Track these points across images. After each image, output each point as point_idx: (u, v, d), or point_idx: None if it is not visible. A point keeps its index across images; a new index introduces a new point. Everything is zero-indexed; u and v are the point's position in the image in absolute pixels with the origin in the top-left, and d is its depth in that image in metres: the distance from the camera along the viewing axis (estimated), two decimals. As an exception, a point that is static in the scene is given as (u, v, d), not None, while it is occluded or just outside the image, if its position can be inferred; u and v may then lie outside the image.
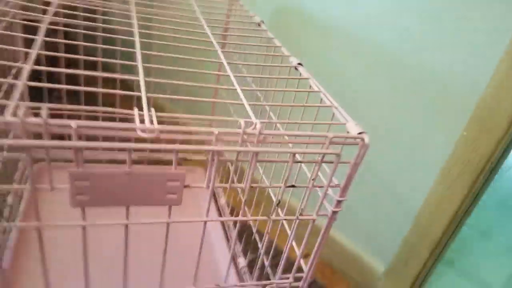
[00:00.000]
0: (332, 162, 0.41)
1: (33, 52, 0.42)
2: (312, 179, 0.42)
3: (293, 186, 0.43)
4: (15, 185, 0.46)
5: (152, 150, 0.40)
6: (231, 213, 0.89)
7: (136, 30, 0.53)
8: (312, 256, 0.48)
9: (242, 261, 0.75)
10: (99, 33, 0.54)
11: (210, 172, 0.37)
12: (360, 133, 0.41)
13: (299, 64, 0.55)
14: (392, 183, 0.79)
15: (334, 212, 0.44)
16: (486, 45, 0.62)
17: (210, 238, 0.78)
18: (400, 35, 0.70)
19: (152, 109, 0.37)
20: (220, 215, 0.89)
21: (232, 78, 0.48)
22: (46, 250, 0.37)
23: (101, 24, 0.60)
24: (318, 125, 0.46)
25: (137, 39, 0.50)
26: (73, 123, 0.31)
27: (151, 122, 0.35)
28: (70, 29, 0.53)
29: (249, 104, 0.43)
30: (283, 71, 0.59)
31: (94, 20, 0.58)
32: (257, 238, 0.73)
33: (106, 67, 1.01)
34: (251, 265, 0.79)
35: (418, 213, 0.77)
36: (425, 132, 0.72)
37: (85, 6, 0.65)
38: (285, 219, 0.53)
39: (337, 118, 0.45)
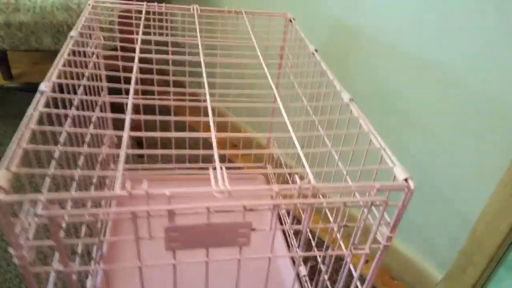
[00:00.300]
0: (380, 205, 0.46)
1: (127, 117, 0.51)
2: (363, 219, 0.48)
3: (346, 225, 0.49)
4: (121, 236, 0.54)
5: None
6: (292, 221, 0.97)
7: (202, 58, 0.61)
8: (365, 284, 0.54)
9: (303, 270, 0.82)
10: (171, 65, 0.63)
11: (272, 219, 0.44)
12: (406, 179, 0.45)
13: (351, 100, 0.60)
14: (448, 193, 0.81)
15: (385, 246, 0.50)
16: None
17: (275, 252, 0.86)
18: (451, 49, 0.71)
19: (223, 168, 0.44)
20: (281, 223, 0.97)
21: (287, 121, 0.55)
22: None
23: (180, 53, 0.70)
24: (367, 165, 0.51)
25: (203, 63, 0.59)
26: (167, 191, 0.40)
27: (223, 180, 0.42)
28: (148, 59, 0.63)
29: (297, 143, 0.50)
30: (335, 106, 0.64)
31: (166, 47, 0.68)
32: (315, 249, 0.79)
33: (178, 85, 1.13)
34: (313, 271, 0.86)
35: (474, 224, 0.78)
36: (482, 145, 0.73)
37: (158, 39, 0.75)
38: (339, 253, 0.59)
39: (385, 160, 0.49)
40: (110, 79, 0.81)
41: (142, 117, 0.56)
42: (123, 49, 0.76)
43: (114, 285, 0.73)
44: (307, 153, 0.49)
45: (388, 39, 0.81)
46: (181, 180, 0.98)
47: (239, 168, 1.18)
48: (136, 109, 1.06)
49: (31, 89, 1.31)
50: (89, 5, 0.77)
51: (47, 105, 0.50)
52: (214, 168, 0.44)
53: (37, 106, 0.48)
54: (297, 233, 0.92)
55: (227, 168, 0.45)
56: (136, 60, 0.65)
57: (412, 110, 0.82)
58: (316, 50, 0.73)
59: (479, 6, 0.66)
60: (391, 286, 0.94)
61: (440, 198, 0.83)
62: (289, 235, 0.92)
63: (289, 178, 0.57)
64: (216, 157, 0.47)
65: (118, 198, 0.39)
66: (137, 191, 0.39)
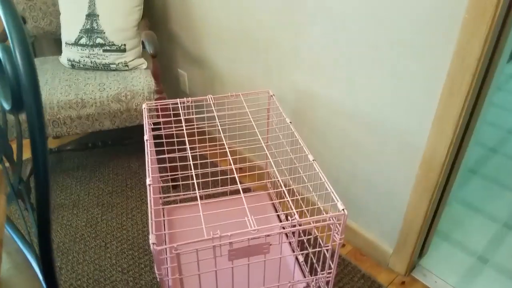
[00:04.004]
0: (337, 223, 0.91)
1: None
2: (326, 233, 0.93)
3: (310, 250, 0.94)
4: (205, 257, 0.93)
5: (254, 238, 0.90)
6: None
7: (219, 125, 1.05)
8: (332, 273, 0.99)
9: (300, 258, 1.28)
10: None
11: (280, 240, 0.89)
12: (343, 209, 0.90)
13: (313, 160, 1.04)
14: (386, 199, 1.26)
15: (339, 243, 0.95)
16: None
17: (283, 251, 1.32)
18: (372, 103, 1.16)
19: (252, 217, 0.88)
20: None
21: (277, 173, 0.99)
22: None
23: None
24: (324, 198, 0.96)
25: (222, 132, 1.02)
26: (229, 233, 0.84)
27: (254, 224, 0.87)
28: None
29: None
30: (305, 164, 1.08)
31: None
32: (307, 244, 1.25)
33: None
34: (307, 259, 1.32)
35: (404, 215, 1.24)
36: (396, 157, 1.18)
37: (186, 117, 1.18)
38: (314, 251, 1.04)
39: (332, 198, 0.94)
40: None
41: (193, 162, 1.00)
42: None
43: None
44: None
45: (335, 101, 1.26)
46: (217, 203, 1.42)
47: (248, 189, 1.63)
48: (175, 159, 1.49)
49: (78, 149, 1.72)
50: (144, 108, 1.20)
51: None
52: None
53: (151, 197, 0.92)
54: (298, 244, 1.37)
55: (243, 191, 0.89)
56: (185, 134, 1.08)
57: (354, 139, 1.27)
58: (291, 122, 1.17)
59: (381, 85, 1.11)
60: (362, 260, 1.40)
61: (383, 200, 1.28)
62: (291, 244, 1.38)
63: (285, 193, 0.94)
64: (249, 217, 0.91)
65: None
66: (218, 236, 0.83)
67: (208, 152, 1.74)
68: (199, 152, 1.24)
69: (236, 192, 1.52)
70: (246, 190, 1.62)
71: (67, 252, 1.37)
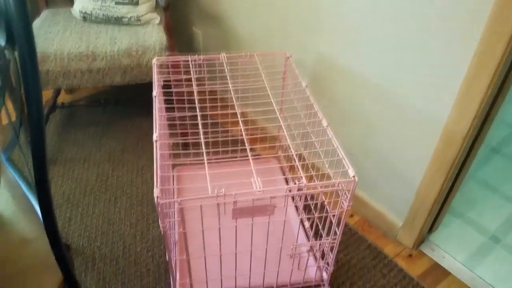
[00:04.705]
0: (346, 190, 0.88)
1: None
2: (334, 199, 0.90)
3: (316, 215, 0.91)
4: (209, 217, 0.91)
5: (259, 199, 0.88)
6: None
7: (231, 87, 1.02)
8: (334, 249, 0.97)
9: (306, 223, 1.27)
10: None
11: (285, 202, 0.87)
12: (354, 176, 0.87)
13: (327, 126, 1.00)
14: (399, 172, 1.22)
15: (348, 206, 0.92)
16: None
17: (288, 214, 1.30)
18: (393, 77, 1.10)
19: (258, 178, 0.86)
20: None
21: (287, 138, 0.96)
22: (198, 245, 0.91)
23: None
24: (334, 165, 0.92)
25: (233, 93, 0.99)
26: (234, 192, 0.82)
27: (260, 186, 0.84)
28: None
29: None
30: (317, 130, 1.04)
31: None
32: (313, 209, 1.23)
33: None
34: (313, 225, 1.30)
35: (417, 189, 1.20)
36: (409, 131, 1.13)
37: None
38: (319, 216, 1.02)
39: (343, 164, 0.91)
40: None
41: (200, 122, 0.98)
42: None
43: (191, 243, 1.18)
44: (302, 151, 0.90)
45: (355, 70, 1.20)
46: (226, 165, 1.41)
47: (258, 155, 1.61)
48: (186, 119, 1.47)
49: (90, 104, 1.73)
50: (154, 63, 1.17)
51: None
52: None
53: (157, 152, 0.90)
54: (304, 208, 1.36)
55: (253, 155, 0.87)
56: (195, 92, 1.05)
57: (372, 111, 1.21)
58: (307, 86, 1.13)
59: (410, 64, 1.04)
60: (369, 231, 1.38)
61: (396, 173, 1.24)
62: (298, 210, 1.36)
63: (295, 158, 0.92)
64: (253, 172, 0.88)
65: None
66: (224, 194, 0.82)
67: (219, 113, 1.72)
68: (209, 112, 1.21)
69: (246, 155, 1.50)
70: (256, 154, 1.60)
71: (77, 204, 1.39)
